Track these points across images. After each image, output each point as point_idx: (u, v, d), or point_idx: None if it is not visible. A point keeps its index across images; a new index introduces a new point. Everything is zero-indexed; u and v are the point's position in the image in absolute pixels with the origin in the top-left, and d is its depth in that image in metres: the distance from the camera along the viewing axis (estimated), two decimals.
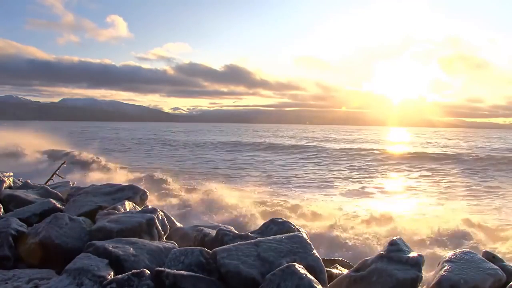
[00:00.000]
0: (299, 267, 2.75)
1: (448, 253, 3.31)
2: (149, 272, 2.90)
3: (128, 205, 4.75)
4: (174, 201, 13.27)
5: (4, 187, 5.54)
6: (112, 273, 3.02)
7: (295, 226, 4.14)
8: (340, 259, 4.63)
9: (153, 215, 4.15)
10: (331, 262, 4.24)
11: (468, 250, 3.32)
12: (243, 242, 3.33)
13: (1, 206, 4.81)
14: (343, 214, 11.84)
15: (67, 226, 3.90)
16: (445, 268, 3.02)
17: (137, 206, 4.89)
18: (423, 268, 3.14)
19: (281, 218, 4.33)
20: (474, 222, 10.74)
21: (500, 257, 3.37)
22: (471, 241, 9.40)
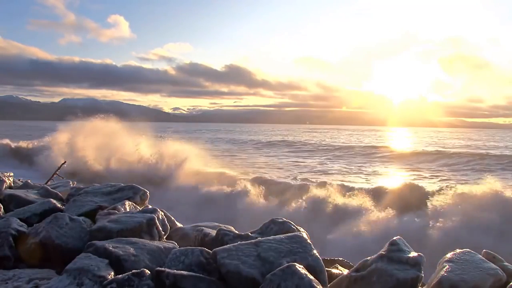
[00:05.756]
0: (300, 267, 2.75)
1: (448, 253, 3.31)
2: (149, 272, 2.90)
3: (129, 205, 4.75)
4: None
5: (4, 187, 5.55)
6: (112, 273, 3.02)
7: (295, 226, 4.14)
8: (340, 259, 4.62)
9: (153, 215, 4.15)
10: (331, 262, 4.23)
11: (468, 250, 3.31)
12: (243, 242, 3.32)
13: (1, 206, 4.81)
14: None
15: (67, 226, 3.90)
16: (445, 268, 3.02)
17: (137, 206, 4.89)
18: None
19: (281, 218, 4.33)
20: None
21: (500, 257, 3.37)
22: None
